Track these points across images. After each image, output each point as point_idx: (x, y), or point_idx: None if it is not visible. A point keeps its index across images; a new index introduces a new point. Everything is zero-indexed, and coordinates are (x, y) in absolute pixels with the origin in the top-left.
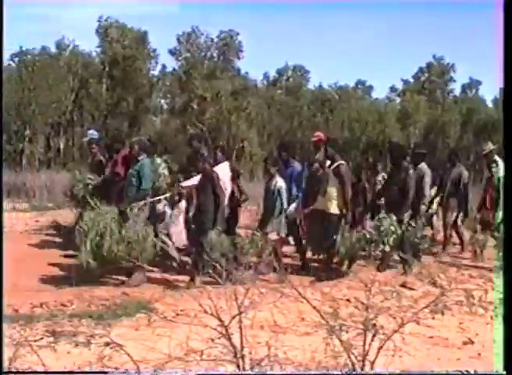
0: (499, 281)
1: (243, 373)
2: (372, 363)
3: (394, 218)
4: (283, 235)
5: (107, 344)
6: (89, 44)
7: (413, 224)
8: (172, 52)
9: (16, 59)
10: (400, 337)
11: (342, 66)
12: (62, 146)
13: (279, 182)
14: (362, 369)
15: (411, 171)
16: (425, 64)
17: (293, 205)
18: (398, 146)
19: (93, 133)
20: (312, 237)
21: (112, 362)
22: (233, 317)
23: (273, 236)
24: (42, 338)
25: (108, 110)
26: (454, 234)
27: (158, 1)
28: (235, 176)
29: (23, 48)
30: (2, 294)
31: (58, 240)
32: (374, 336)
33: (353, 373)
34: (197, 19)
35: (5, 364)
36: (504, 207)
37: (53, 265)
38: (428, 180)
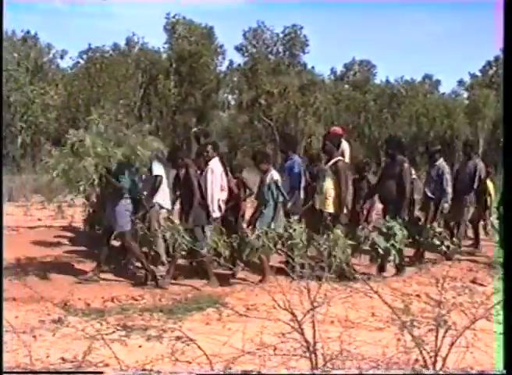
0: None
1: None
2: (444, 359)
3: (399, 222)
4: (280, 230)
5: (178, 338)
6: (157, 41)
7: (419, 222)
8: (237, 48)
9: (85, 57)
10: (471, 333)
11: (409, 60)
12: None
13: (275, 175)
14: (434, 366)
15: (406, 165)
16: (493, 57)
17: (293, 199)
18: (395, 140)
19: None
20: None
21: (184, 356)
22: (307, 312)
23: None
24: (114, 332)
25: (176, 106)
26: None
27: None
28: (227, 172)
29: (92, 46)
30: (2, 293)
31: None
32: (446, 332)
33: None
34: (262, 14)
35: (75, 356)
36: (504, 207)
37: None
38: (448, 177)
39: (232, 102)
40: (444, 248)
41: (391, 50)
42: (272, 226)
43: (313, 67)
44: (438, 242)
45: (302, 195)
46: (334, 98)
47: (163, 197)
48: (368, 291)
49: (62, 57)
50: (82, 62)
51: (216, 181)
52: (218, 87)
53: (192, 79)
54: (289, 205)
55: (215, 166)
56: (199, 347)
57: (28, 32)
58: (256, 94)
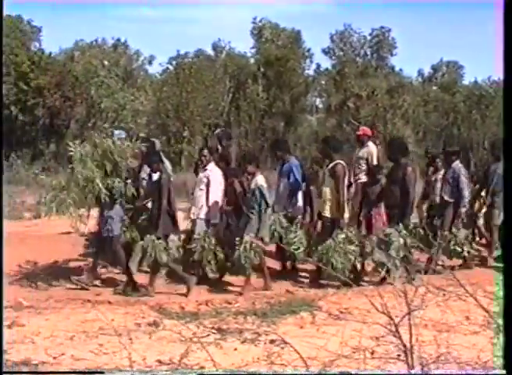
0: None
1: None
2: None
3: (401, 227)
4: (267, 239)
5: (272, 341)
6: (244, 46)
7: (420, 230)
8: (325, 51)
9: (174, 63)
10: None
11: (496, 60)
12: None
13: (259, 180)
14: None
15: (410, 168)
16: None
17: (296, 203)
18: (398, 142)
19: (120, 134)
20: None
21: (280, 360)
22: (404, 315)
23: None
24: (209, 335)
25: (264, 110)
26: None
27: (309, 0)
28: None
29: (180, 52)
30: (2, 293)
31: None
32: None
33: None
34: (349, 16)
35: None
36: (504, 206)
37: None
38: (464, 179)
39: (320, 106)
40: (465, 254)
41: (478, 50)
42: (259, 234)
43: (401, 69)
44: (458, 248)
45: (301, 199)
46: (422, 100)
47: None
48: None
49: (150, 63)
50: (171, 67)
51: (215, 186)
52: (307, 90)
53: (280, 83)
54: (289, 209)
55: (213, 170)
56: (295, 350)
57: (118, 39)
58: (344, 98)
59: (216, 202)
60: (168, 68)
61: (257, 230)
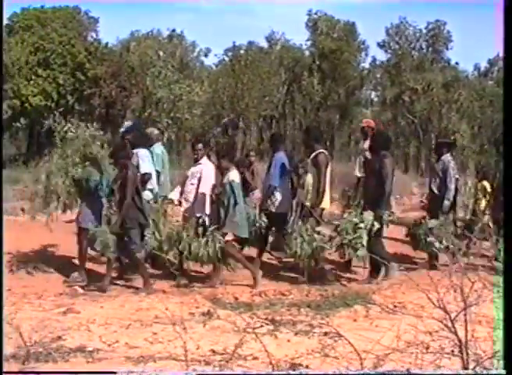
0: None
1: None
2: None
3: (369, 215)
4: (229, 237)
5: (326, 333)
6: (299, 38)
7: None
8: (380, 45)
9: (229, 54)
10: None
11: None
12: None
13: (231, 175)
14: None
15: (387, 160)
16: None
17: (276, 197)
18: (378, 135)
19: (127, 125)
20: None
21: (334, 352)
22: (460, 311)
23: (229, 237)
24: (262, 326)
25: (319, 103)
26: None
27: None
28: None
29: (236, 43)
30: (2, 294)
31: None
32: None
33: None
34: (404, 9)
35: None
36: (504, 206)
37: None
38: (452, 172)
39: (376, 99)
40: (435, 249)
41: None
42: (225, 229)
43: (457, 63)
44: (433, 241)
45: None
46: (478, 95)
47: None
48: None
49: (206, 55)
50: (226, 59)
51: (205, 181)
52: (362, 83)
53: (335, 75)
54: (270, 203)
55: (206, 164)
56: (350, 343)
57: (173, 30)
58: (399, 91)
59: (203, 195)
60: (223, 59)
61: (223, 225)
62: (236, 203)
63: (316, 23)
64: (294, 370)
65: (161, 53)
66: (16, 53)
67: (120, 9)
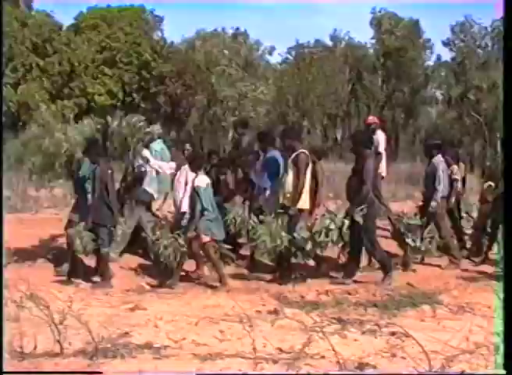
0: None
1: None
2: None
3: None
4: (220, 238)
5: (393, 333)
6: (363, 36)
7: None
8: (445, 43)
9: (293, 52)
10: None
11: None
12: (339, 137)
13: (197, 181)
14: None
15: (370, 160)
16: None
17: (263, 197)
18: (360, 134)
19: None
20: None
21: (401, 352)
22: None
23: (206, 238)
24: (329, 325)
25: (383, 101)
26: None
27: None
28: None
29: (299, 42)
30: (2, 294)
31: None
32: None
33: None
34: (469, 7)
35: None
36: (504, 206)
37: None
38: (441, 174)
39: (440, 98)
40: (410, 247)
41: None
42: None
43: None
44: (408, 239)
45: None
46: None
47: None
48: None
49: (270, 53)
50: (290, 57)
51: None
52: (426, 82)
53: (399, 74)
54: (260, 202)
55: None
56: (419, 343)
57: (238, 29)
58: (464, 90)
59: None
60: (287, 58)
61: (186, 228)
62: (203, 208)
63: (380, 21)
64: (362, 370)
65: (225, 51)
66: (82, 52)
67: (185, 8)
